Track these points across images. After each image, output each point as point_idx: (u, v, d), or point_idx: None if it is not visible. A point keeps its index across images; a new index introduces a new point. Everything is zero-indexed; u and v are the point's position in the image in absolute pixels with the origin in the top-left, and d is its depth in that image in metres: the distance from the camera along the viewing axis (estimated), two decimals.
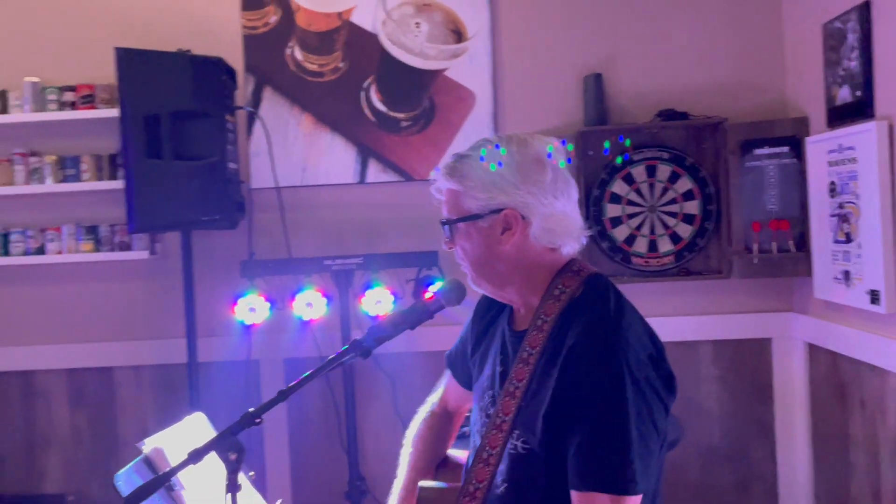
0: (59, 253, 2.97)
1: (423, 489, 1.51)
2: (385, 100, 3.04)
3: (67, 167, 2.97)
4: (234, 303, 2.70)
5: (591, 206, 2.94)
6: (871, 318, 2.42)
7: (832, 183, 2.57)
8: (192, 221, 2.68)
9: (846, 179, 2.48)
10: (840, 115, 2.54)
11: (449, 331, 1.71)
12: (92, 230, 2.98)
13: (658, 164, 2.94)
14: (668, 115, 2.89)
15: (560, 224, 1.37)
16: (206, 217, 2.66)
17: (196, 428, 1.55)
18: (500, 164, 1.35)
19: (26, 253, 2.98)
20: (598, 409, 1.22)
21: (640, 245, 2.96)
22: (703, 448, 3.03)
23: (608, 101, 2.96)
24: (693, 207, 2.94)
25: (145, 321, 3.05)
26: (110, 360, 3.07)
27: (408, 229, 2.97)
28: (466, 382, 1.58)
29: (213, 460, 1.23)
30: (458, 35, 3.03)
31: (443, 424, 1.66)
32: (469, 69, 3.02)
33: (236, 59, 2.99)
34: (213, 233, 2.95)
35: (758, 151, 2.85)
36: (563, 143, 1.41)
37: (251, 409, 1.25)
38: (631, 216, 2.95)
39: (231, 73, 2.83)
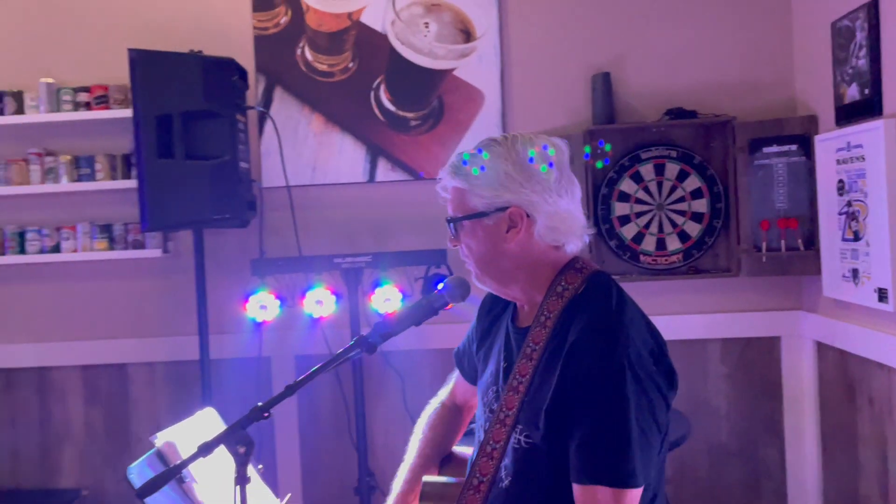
0: (74, 251, 3.01)
1: (427, 483, 1.52)
2: (394, 99, 3.06)
3: (82, 167, 3.01)
4: (246, 300, 2.73)
5: (600, 205, 2.95)
6: (879, 316, 2.42)
7: (840, 181, 2.57)
8: (204, 220, 2.71)
9: (854, 177, 2.48)
10: (848, 114, 2.53)
11: (458, 328, 1.73)
12: (106, 229, 3.02)
13: (666, 163, 2.95)
14: (677, 113, 2.90)
15: (564, 222, 1.38)
16: (217, 216, 2.69)
17: (207, 423, 1.58)
18: (505, 162, 1.37)
19: (42, 251, 3.02)
20: (599, 403, 1.24)
21: (649, 243, 2.97)
22: (712, 446, 3.04)
23: (616, 100, 2.97)
24: (701, 206, 2.94)
25: (158, 318, 3.09)
26: (124, 356, 3.12)
27: (417, 228, 3.00)
28: (473, 379, 1.60)
29: (223, 454, 1.26)
30: (467, 35, 3.05)
31: (452, 417, 1.69)
32: (478, 68, 3.03)
33: (247, 60, 3.02)
34: (225, 231, 2.99)
35: (766, 150, 2.85)
36: (566, 143, 1.42)
37: (259, 404, 1.28)
38: (639, 214, 2.96)
39: (242, 73, 2.86)
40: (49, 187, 3.02)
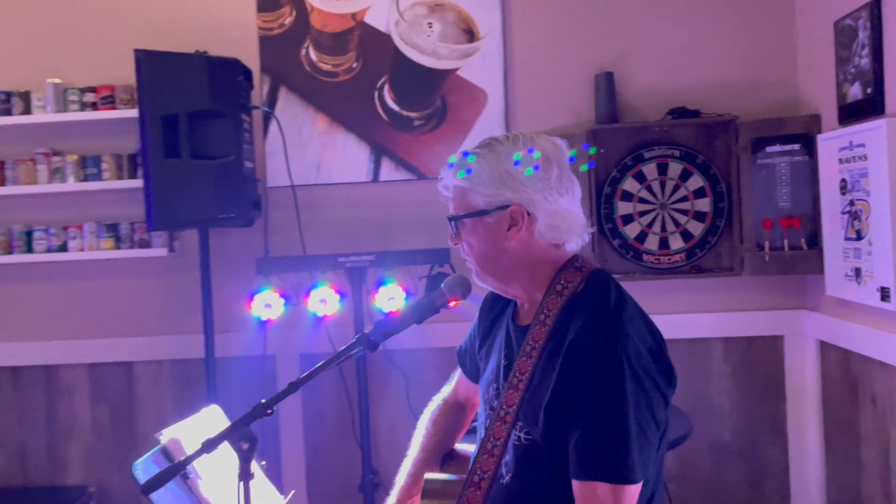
0: (81, 250, 3.04)
1: (428, 481, 1.53)
2: (398, 99, 3.08)
3: (88, 166, 3.03)
4: (251, 299, 2.75)
5: (603, 204, 2.96)
6: (882, 315, 2.43)
7: (843, 180, 2.57)
8: (210, 219, 2.73)
9: (857, 176, 2.48)
10: (851, 113, 2.54)
11: (460, 327, 1.75)
12: (112, 228, 3.04)
13: (669, 162, 2.95)
14: (680, 112, 2.90)
15: (565, 221, 1.39)
16: (222, 215, 2.70)
17: (212, 420, 1.60)
18: (506, 161, 1.38)
19: (49, 250, 3.05)
20: (598, 400, 1.25)
21: (652, 242, 2.97)
22: (715, 445, 3.04)
23: (619, 100, 2.98)
24: (704, 205, 2.95)
25: (164, 317, 3.12)
26: (130, 354, 3.14)
27: (420, 227, 3.01)
28: (475, 377, 1.62)
29: (227, 451, 1.28)
30: (470, 35, 3.06)
31: (455, 413, 1.70)
32: (481, 68, 3.05)
33: (252, 60, 3.04)
34: (230, 230, 3.00)
35: (769, 149, 2.86)
36: (566, 142, 1.43)
37: (263, 401, 1.29)
38: (642, 213, 2.97)
39: (247, 73, 2.88)
40: (56, 187, 3.04)
